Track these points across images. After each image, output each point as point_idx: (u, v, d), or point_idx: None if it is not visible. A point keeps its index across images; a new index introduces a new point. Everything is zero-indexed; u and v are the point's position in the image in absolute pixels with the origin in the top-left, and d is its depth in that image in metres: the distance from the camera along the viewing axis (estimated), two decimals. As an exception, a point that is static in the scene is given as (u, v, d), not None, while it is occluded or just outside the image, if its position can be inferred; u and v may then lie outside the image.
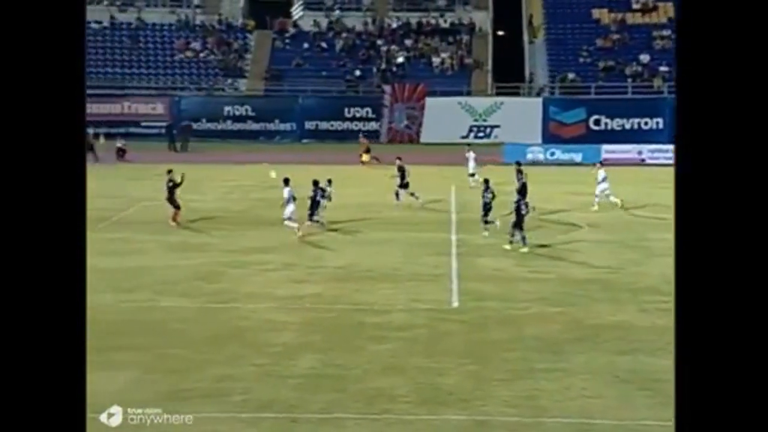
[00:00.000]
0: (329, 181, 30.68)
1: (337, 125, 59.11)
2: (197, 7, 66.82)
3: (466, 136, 56.26)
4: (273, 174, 32.53)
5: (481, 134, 57.09)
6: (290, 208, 28.22)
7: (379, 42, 64.37)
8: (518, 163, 34.06)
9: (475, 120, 57.49)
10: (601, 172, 34.12)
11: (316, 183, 29.37)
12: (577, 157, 47.59)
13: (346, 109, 59.20)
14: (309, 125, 58.88)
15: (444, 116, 56.59)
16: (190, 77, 62.85)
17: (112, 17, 65.24)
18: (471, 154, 39.77)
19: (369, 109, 59.16)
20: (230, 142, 56.36)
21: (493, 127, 56.81)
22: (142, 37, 64.64)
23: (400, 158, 35.50)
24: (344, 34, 64.71)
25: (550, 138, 53.20)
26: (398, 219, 31.85)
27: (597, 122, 55.23)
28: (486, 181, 30.25)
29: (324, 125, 58.97)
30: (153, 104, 59.30)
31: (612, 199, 33.50)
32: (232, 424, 14.02)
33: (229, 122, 58.92)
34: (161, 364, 16.48)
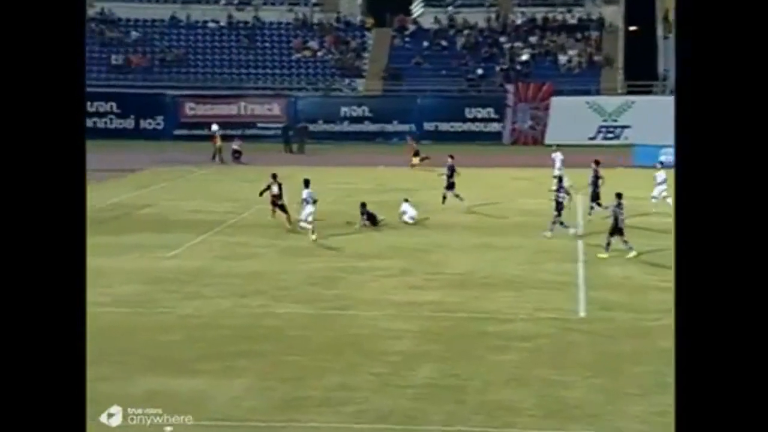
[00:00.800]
0: (406, 200, 31.93)
1: (458, 126, 59.10)
2: (315, 5, 67.76)
3: (594, 138, 55.57)
4: (215, 127, 38.25)
5: (610, 135, 56.30)
6: (308, 210, 28.76)
7: (503, 39, 64.11)
8: (596, 162, 33.29)
9: (604, 120, 56.70)
10: (661, 174, 33.53)
11: (363, 205, 31.02)
12: (715, 160, 46.35)
13: (467, 110, 59.15)
14: (428, 126, 59.03)
15: (571, 116, 56.01)
16: (306, 77, 63.78)
17: (229, 16, 66.70)
18: (558, 155, 39.27)
19: (491, 110, 59.01)
20: (347, 143, 56.95)
21: (623, 127, 55.96)
22: (259, 36, 65.91)
23: (452, 157, 35.30)
24: (466, 31, 64.68)
25: (685, 139, 52.01)
26: (521, 223, 31.65)
27: (736, 122, 53.84)
28: (560, 179, 30.13)
29: (444, 126, 59.03)
30: (269, 105, 60.40)
31: (669, 201, 32.89)
32: (349, 435, 14.14)
33: (345, 123, 59.56)
34: (277, 371, 16.74)
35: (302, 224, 28.98)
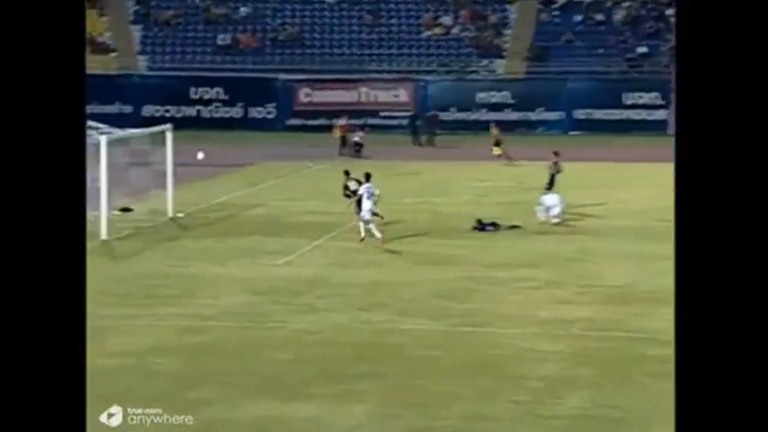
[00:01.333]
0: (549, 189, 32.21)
1: (615, 114, 58.42)
2: (448, -26, 67.86)
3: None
4: (201, 156, 37.91)
5: (797, 124, 54.85)
6: (367, 206, 28.93)
7: (670, 11, 63.02)
8: None
9: (791, 106, 55.27)
10: None
11: (479, 221, 31.14)
12: None
13: (626, 95, 58.45)
14: (579, 114, 58.52)
15: (750, 102, 54.82)
16: (438, 58, 63.89)
17: (350, -11, 67.31)
18: None
19: (656, 94, 58.17)
20: (483, 134, 56.80)
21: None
22: (384, 11, 66.32)
23: (557, 153, 34.87)
24: (625, 3, 63.86)
25: None
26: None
27: None
28: None
29: (598, 114, 58.45)
30: (395, 90, 60.76)
31: None
32: (485, 472, 14.13)
33: (483, 111, 59.48)
34: (403, 396, 16.84)
35: (360, 224, 29.07)
